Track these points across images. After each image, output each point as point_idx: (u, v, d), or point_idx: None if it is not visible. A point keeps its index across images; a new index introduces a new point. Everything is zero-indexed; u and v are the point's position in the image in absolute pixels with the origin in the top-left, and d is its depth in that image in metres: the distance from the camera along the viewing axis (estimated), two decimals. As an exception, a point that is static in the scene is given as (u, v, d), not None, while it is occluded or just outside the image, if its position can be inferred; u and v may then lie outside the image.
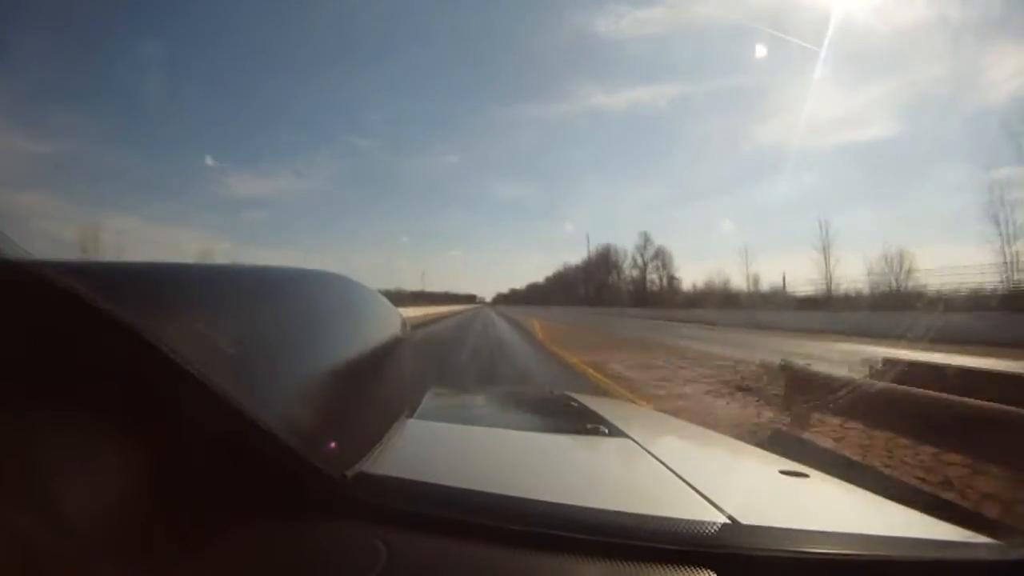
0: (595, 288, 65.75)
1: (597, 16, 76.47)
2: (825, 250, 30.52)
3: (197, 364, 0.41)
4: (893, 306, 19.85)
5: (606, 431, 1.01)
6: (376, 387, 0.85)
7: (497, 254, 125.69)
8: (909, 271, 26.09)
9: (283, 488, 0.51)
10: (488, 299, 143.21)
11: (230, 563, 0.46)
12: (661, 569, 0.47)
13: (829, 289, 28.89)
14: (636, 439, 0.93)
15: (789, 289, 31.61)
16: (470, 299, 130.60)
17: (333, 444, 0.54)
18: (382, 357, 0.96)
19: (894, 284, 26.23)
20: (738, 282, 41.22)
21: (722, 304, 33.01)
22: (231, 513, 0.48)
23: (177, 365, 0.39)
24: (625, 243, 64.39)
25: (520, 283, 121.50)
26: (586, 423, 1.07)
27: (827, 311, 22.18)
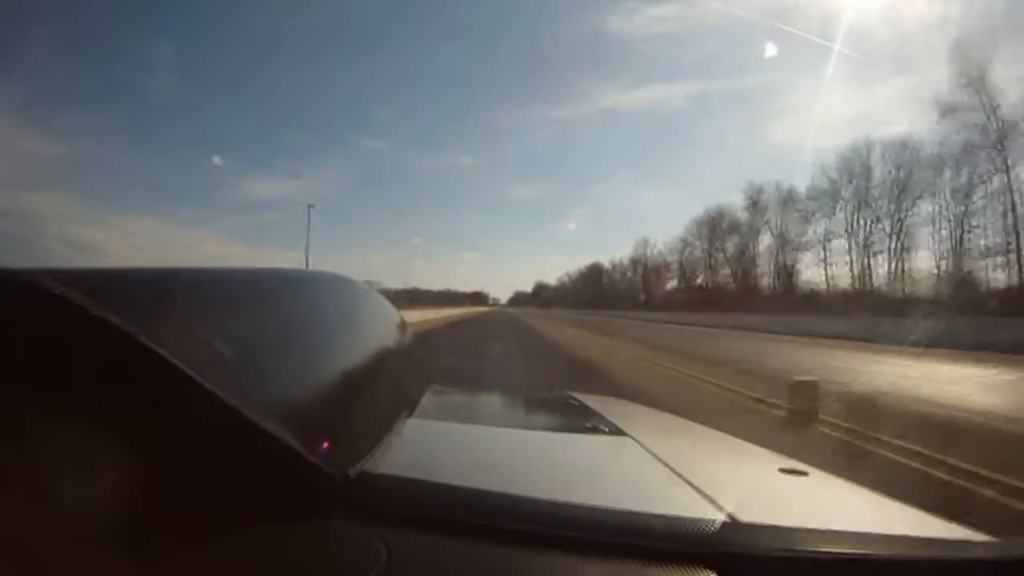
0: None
1: (610, 14, 74.91)
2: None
3: (196, 366, 0.41)
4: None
5: (606, 429, 1.01)
6: (376, 386, 0.85)
7: (512, 255, 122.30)
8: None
9: (284, 488, 0.51)
10: (504, 300, 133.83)
11: (230, 563, 0.46)
12: (661, 567, 0.47)
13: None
14: (635, 437, 0.93)
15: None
16: (480, 300, 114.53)
17: (333, 444, 0.54)
18: (382, 356, 0.96)
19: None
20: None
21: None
22: (231, 513, 0.48)
23: (176, 368, 0.39)
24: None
25: (543, 280, 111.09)
26: (586, 421, 1.08)
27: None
